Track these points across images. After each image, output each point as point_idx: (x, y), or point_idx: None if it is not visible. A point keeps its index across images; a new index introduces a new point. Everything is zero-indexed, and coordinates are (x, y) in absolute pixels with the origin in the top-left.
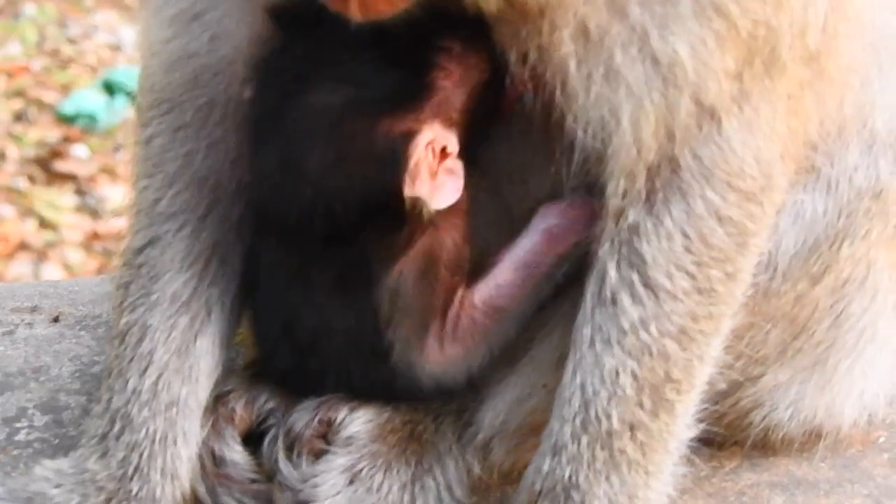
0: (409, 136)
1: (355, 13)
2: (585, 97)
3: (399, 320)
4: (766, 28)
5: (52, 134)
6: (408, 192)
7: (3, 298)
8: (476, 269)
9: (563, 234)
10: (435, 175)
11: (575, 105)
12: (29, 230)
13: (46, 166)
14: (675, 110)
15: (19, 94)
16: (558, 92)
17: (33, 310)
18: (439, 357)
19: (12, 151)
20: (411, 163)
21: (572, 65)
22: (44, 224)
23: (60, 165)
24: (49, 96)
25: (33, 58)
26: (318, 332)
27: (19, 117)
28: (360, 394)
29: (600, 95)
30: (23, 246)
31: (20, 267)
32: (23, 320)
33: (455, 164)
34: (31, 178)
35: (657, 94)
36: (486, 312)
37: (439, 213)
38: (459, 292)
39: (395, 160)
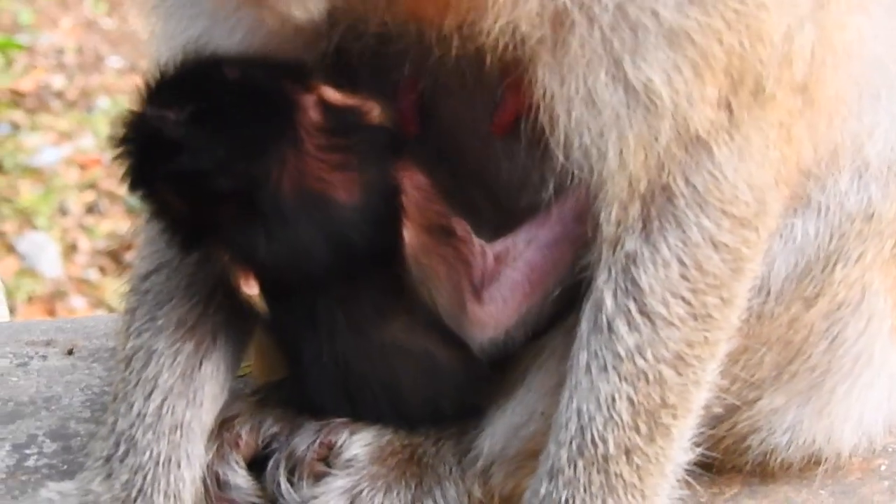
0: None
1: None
2: (567, 121)
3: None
4: (741, 59)
5: (124, 226)
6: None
7: (19, 332)
8: None
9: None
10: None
11: (557, 130)
12: None
13: (117, 258)
14: (658, 139)
15: (91, 186)
16: (545, 117)
17: (48, 343)
18: (481, 314)
19: (84, 243)
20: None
21: (553, 89)
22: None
23: (131, 257)
24: (121, 188)
25: (105, 150)
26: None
27: (91, 209)
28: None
29: (580, 121)
30: None
31: None
32: (37, 353)
33: None
34: (102, 270)
35: (638, 122)
36: (506, 263)
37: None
38: (475, 248)
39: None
